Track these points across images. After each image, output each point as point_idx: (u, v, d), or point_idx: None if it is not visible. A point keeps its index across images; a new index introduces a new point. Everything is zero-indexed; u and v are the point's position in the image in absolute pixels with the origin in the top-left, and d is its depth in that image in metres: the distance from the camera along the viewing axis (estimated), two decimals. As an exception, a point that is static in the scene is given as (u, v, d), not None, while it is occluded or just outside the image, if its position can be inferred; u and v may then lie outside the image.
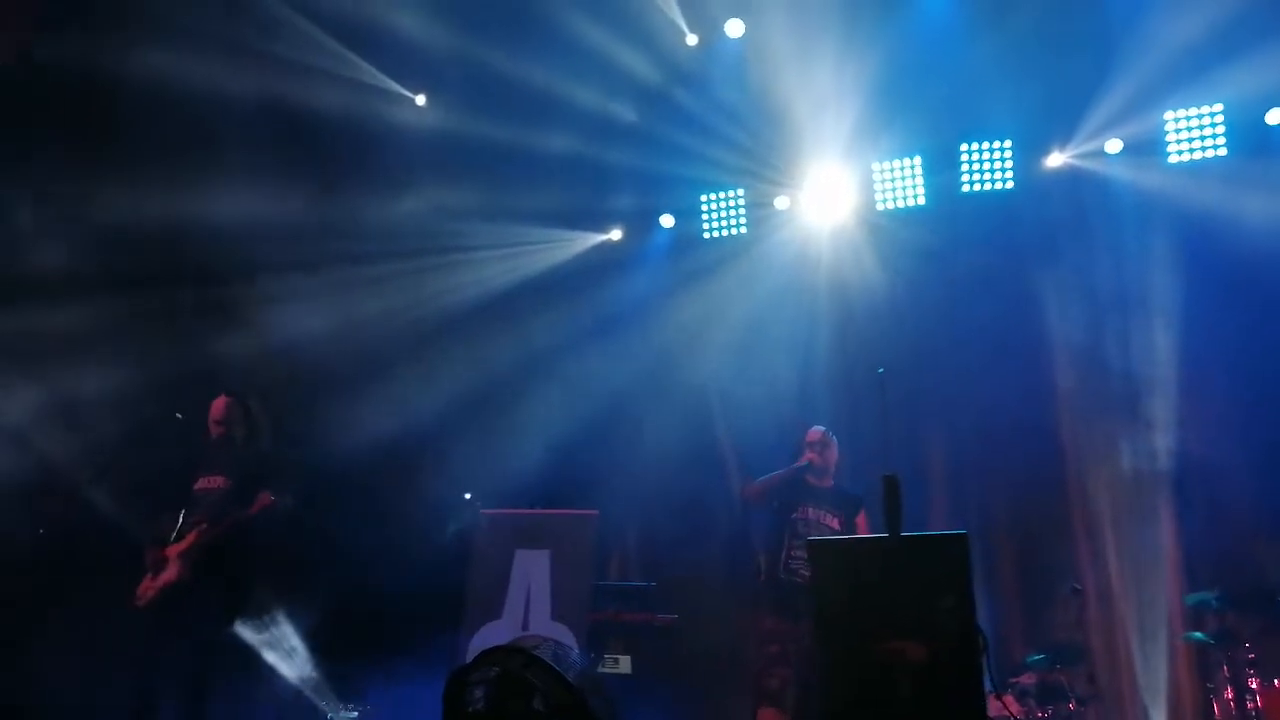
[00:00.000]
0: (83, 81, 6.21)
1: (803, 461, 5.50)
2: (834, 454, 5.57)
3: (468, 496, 6.91)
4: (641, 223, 7.57)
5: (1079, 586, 5.86)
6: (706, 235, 7.35)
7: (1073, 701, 5.39)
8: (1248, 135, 6.19)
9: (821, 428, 5.61)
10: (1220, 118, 6.22)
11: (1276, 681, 5.16)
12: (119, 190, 6.29)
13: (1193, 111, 6.25)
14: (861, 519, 5.36)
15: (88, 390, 6.13)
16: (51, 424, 6.11)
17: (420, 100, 7.38)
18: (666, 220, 7.49)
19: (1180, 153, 6.30)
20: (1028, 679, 5.54)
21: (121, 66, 6.22)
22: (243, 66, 6.45)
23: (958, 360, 6.57)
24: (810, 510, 5.41)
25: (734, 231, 7.30)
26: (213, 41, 6.36)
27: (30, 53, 6.24)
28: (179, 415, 5.23)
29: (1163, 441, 6.10)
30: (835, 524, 5.35)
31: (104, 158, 6.40)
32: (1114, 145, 6.49)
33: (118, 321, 6.34)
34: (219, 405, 5.17)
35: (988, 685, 3.29)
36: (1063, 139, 6.56)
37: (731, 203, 7.28)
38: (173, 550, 4.92)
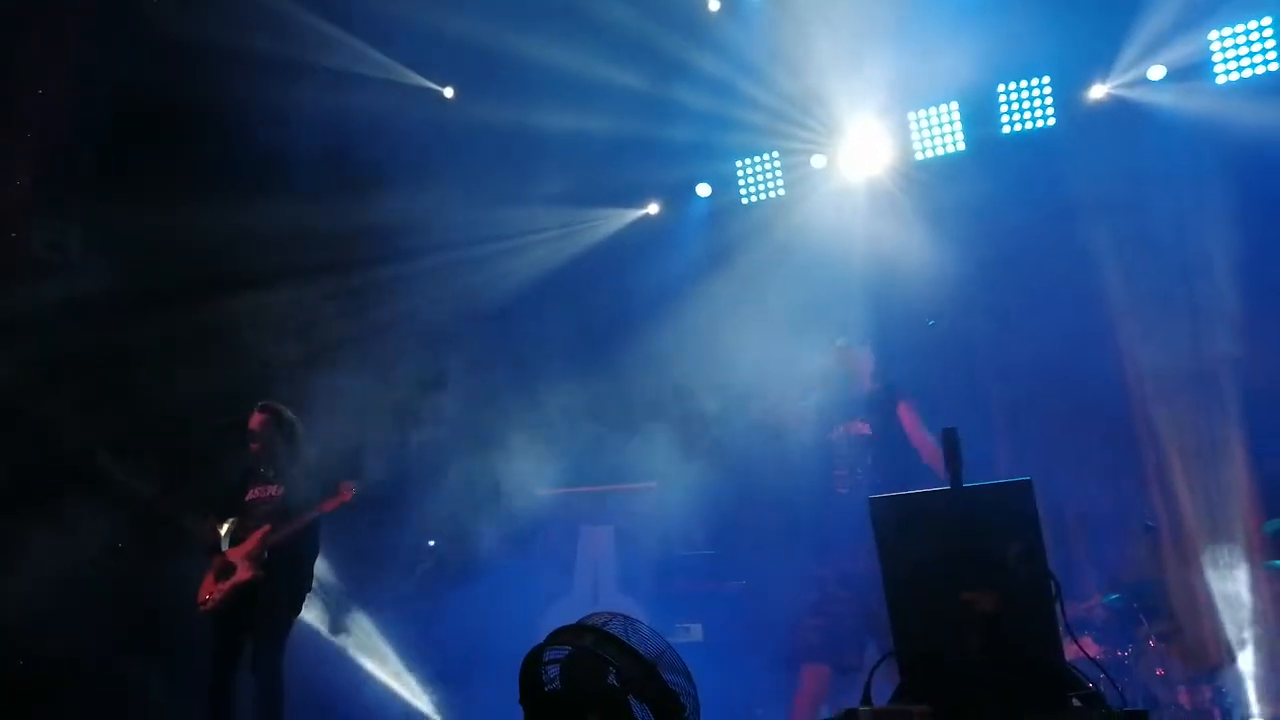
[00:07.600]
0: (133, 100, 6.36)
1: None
2: (862, 363, 5.25)
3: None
4: (678, 195, 7.52)
5: (1151, 524, 5.78)
6: (745, 201, 7.30)
7: (1152, 639, 5.31)
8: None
9: (840, 341, 5.30)
10: (1269, 31, 5.95)
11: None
12: (159, 207, 6.38)
13: (1239, 29, 6.00)
14: (904, 410, 5.01)
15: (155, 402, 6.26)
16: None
17: (448, 93, 7.38)
18: (703, 189, 7.44)
19: (1228, 72, 6.05)
20: (1094, 609, 5.47)
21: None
22: (270, 74, 6.52)
23: (1010, 307, 6.46)
24: (841, 426, 5.10)
25: (772, 195, 7.22)
26: (243, 55, 6.44)
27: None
28: (233, 421, 5.40)
29: (1230, 371, 5.94)
30: (866, 429, 5.06)
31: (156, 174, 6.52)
32: (1157, 71, 6.27)
33: (176, 333, 6.46)
34: (256, 420, 5.33)
35: (1062, 630, 3.27)
36: (1103, 70, 6.37)
37: (767, 165, 7.20)
38: (238, 552, 5.11)
